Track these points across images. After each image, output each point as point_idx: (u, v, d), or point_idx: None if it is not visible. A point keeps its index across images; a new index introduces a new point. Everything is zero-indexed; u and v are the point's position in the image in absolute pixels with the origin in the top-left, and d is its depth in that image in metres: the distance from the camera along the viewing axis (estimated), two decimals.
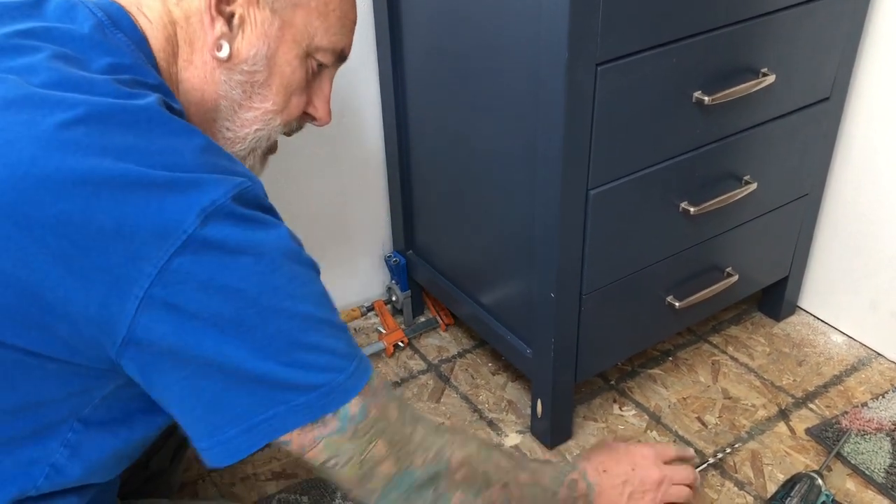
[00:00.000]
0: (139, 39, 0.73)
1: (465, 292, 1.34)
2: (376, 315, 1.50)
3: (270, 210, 0.69)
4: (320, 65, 0.82)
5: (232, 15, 0.75)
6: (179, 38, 0.75)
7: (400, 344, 1.44)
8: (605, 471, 0.97)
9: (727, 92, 1.07)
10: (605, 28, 0.92)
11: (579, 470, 0.96)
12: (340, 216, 1.42)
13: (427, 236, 1.40)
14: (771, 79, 1.11)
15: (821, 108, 1.25)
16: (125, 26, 0.73)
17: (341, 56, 0.84)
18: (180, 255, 0.61)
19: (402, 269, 1.46)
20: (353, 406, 0.69)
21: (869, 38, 1.24)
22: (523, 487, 0.85)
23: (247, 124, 0.80)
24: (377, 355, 1.44)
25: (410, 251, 1.45)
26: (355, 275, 1.50)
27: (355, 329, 1.51)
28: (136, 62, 0.71)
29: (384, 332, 1.45)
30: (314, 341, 0.67)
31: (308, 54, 0.80)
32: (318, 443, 0.69)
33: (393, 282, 1.49)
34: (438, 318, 1.50)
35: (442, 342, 1.48)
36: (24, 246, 0.61)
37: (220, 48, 0.75)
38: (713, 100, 1.06)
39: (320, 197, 1.38)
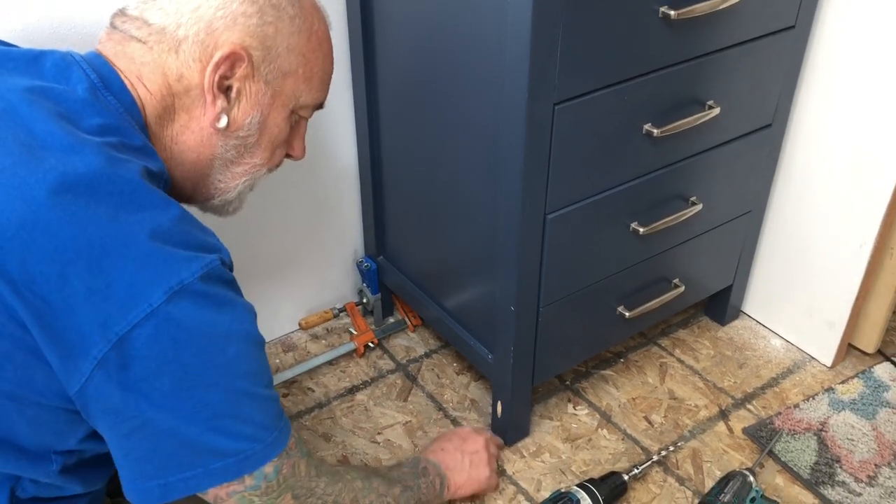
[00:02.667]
0: (129, 103, 0.79)
1: (432, 297, 1.43)
2: (348, 316, 1.58)
3: (232, 284, 0.75)
4: (301, 116, 0.91)
5: (230, 88, 0.82)
6: (177, 107, 0.82)
7: (370, 344, 1.53)
8: (441, 450, 1.18)
9: (675, 124, 1.16)
10: (563, 71, 1.00)
11: (423, 459, 1.14)
12: (315, 223, 1.50)
13: (397, 243, 1.49)
14: (716, 111, 1.21)
15: (763, 134, 1.35)
16: (116, 89, 0.79)
17: (320, 107, 0.93)
18: (141, 327, 0.68)
19: (373, 274, 1.54)
20: (269, 467, 0.78)
21: (808, 69, 1.34)
22: (399, 497, 1.01)
23: (237, 177, 0.88)
24: (349, 355, 1.52)
25: (381, 257, 1.54)
26: (329, 278, 1.58)
27: (328, 329, 1.59)
28: (123, 124, 0.77)
29: (355, 333, 1.53)
30: (242, 413, 0.75)
31: (293, 112, 0.88)
32: (232, 497, 0.77)
33: (364, 285, 1.57)
34: (407, 320, 1.59)
35: (410, 343, 1.57)
36: (7, 298, 0.68)
37: (219, 120, 0.82)
38: (662, 132, 1.15)
39: (297, 205, 1.45)
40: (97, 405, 0.71)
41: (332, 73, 0.92)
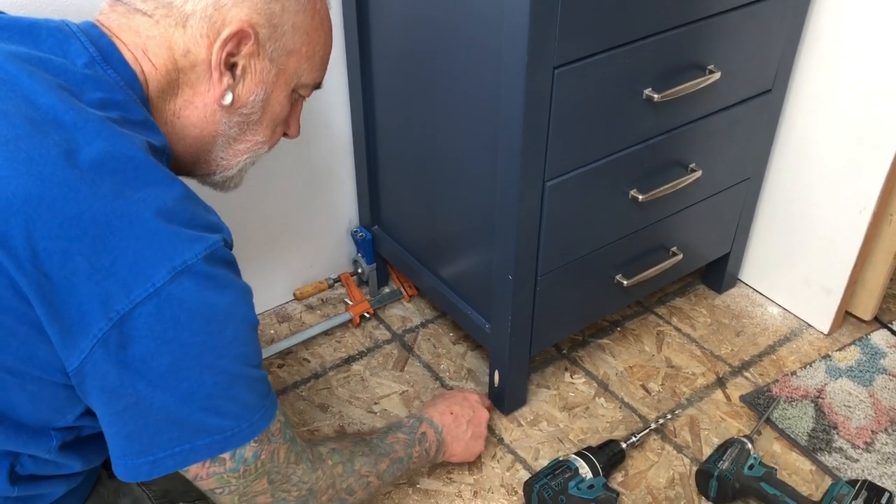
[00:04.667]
0: (130, 77, 0.77)
1: (428, 267, 1.42)
2: (343, 286, 1.57)
3: (233, 265, 0.75)
4: (300, 95, 0.90)
5: (235, 65, 0.80)
6: (182, 83, 0.80)
7: (366, 315, 1.52)
8: (451, 413, 1.18)
9: (675, 89, 1.14)
10: (563, 34, 0.98)
11: (426, 420, 1.14)
12: (309, 193, 1.48)
13: (392, 213, 1.47)
14: (717, 76, 1.19)
15: (763, 99, 1.33)
16: (116, 63, 0.76)
17: (318, 87, 0.92)
18: (142, 306, 0.67)
19: (368, 244, 1.52)
20: (248, 450, 0.78)
21: (809, 33, 1.32)
22: (383, 473, 1.01)
23: (239, 154, 0.87)
24: (344, 325, 1.51)
25: (376, 226, 1.52)
26: (323, 248, 1.56)
27: (322, 300, 1.58)
28: (124, 98, 0.75)
29: (351, 303, 1.52)
30: (233, 393, 0.75)
31: (294, 91, 0.87)
32: (211, 476, 0.78)
33: (359, 255, 1.55)
34: (402, 290, 1.58)
35: (406, 313, 1.56)
36: (11, 273, 0.66)
37: (225, 97, 0.81)
38: (662, 97, 1.13)
39: (291, 175, 1.43)
40: (93, 382, 0.70)
41: (331, 51, 0.91)
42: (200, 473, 0.78)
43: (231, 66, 0.80)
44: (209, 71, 0.80)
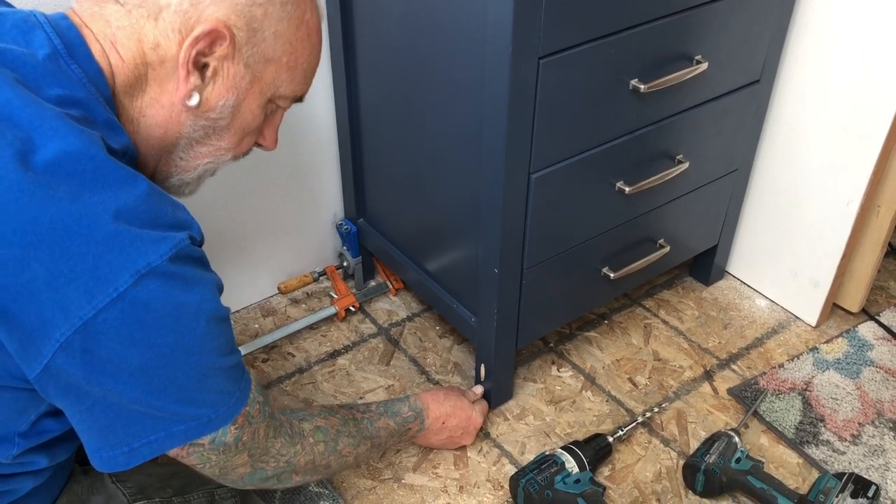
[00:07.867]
0: (94, 72, 0.73)
1: (414, 260, 1.40)
2: (328, 280, 1.55)
3: (201, 260, 0.72)
4: (278, 106, 0.86)
5: (206, 66, 0.76)
6: (150, 78, 0.76)
7: (351, 308, 1.50)
8: (443, 423, 1.20)
9: (662, 80, 1.13)
10: (547, 24, 0.97)
11: (420, 418, 1.16)
12: (293, 185, 1.46)
13: (377, 206, 1.45)
14: (704, 66, 1.17)
15: (751, 90, 1.32)
16: (81, 57, 0.73)
17: (299, 100, 0.88)
18: (106, 312, 0.65)
19: (353, 237, 1.51)
20: (230, 436, 0.79)
21: (797, 23, 1.31)
22: (361, 454, 1.04)
23: (199, 157, 0.83)
24: (329, 319, 1.50)
25: (361, 219, 1.50)
26: (308, 241, 1.54)
27: (307, 293, 1.56)
28: (86, 96, 0.72)
29: (336, 296, 1.50)
30: (207, 384, 0.75)
31: (270, 101, 0.83)
32: (191, 454, 0.78)
33: (344, 248, 1.54)
34: (388, 283, 1.56)
35: (392, 306, 1.54)
36: None
37: (190, 97, 0.76)
38: (649, 87, 1.12)
39: (274, 167, 1.41)
40: (57, 384, 0.69)
41: (317, 66, 0.87)
42: (181, 453, 0.78)
43: (202, 67, 0.76)
44: (177, 68, 0.76)
